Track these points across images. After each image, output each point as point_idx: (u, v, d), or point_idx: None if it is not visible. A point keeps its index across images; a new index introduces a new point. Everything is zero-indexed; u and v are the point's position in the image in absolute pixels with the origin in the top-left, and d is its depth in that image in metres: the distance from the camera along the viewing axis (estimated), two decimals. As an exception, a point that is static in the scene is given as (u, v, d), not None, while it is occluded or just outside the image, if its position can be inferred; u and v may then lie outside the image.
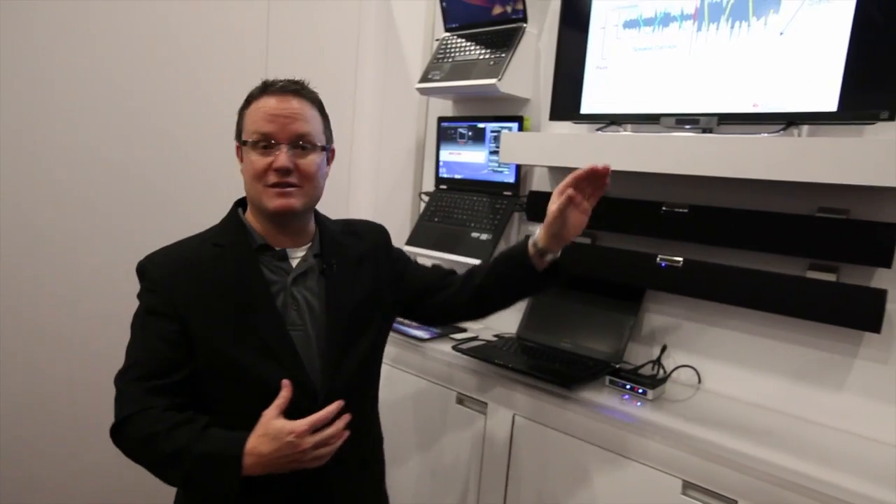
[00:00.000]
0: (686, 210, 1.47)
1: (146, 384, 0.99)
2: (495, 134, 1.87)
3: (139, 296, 1.07)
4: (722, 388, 1.51)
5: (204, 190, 1.82)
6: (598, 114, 1.59)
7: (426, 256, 1.95)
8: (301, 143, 1.05)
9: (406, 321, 1.63)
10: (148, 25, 1.67)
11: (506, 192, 1.88)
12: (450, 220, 1.96)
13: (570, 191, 1.11)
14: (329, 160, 1.16)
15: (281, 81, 1.08)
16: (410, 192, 2.21)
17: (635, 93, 1.52)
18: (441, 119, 2.03)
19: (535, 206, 1.74)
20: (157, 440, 0.95)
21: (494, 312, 1.31)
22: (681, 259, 1.47)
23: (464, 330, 1.87)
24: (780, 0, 1.28)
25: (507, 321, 1.78)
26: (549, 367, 1.53)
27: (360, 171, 2.28)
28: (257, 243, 1.09)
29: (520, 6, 1.77)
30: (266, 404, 0.97)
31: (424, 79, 1.93)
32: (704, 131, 1.40)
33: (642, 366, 1.59)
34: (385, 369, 1.25)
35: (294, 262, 1.11)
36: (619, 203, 1.60)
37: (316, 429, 0.96)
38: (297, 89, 1.08)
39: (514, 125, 1.82)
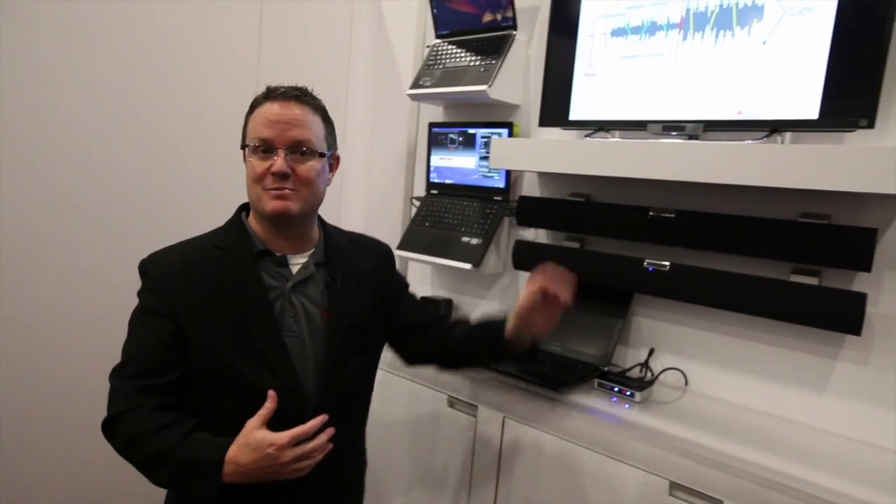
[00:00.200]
0: (673, 215, 1.49)
1: (139, 382, 1.00)
2: (485, 140, 1.89)
3: (139, 293, 1.07)
4: (708, 390, 1.54)
5: (199, 191, 1.83)
6: (587, 120, 1.61)
7: (417, 260, 1.96)
8: (300, 149, 1.06)
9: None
10: (141, 26, 1.68)
11: (496, 197, 1.90)
12: (441, 224, 1.97)
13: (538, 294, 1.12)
14: (333, 167, 1.16)
15: (284, 88, 1.09)
16: (402, 197, 2.22)
17: (623, 100, 1.54)
18: (432, 125, 2.05)
19: (525, 210, 1.76)
20: (144, 440, 0.96)
21: (466, 371, 1.43)
22: (668, 263, 1.49)
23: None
24: (763, 10, 1.31)
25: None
26: (539, 370, 1.55)
27: (351, 176, 2.29)
28: (258, 248, 1.10)
29: (510, 14, 1.79)
30: (257, 408, 0.98)
31: (415, 85, 1.94)
32: (690, 138, 1.42)
33: (630, 368, 1.61)
34: (377, 373, 1.26)
35: (294, 269, 1.12)
36: (607, 208, 1.62)
37: (298, 441, 0.96)
38: (298, 95, 1.08)
39: (504, 131, 1.84)
